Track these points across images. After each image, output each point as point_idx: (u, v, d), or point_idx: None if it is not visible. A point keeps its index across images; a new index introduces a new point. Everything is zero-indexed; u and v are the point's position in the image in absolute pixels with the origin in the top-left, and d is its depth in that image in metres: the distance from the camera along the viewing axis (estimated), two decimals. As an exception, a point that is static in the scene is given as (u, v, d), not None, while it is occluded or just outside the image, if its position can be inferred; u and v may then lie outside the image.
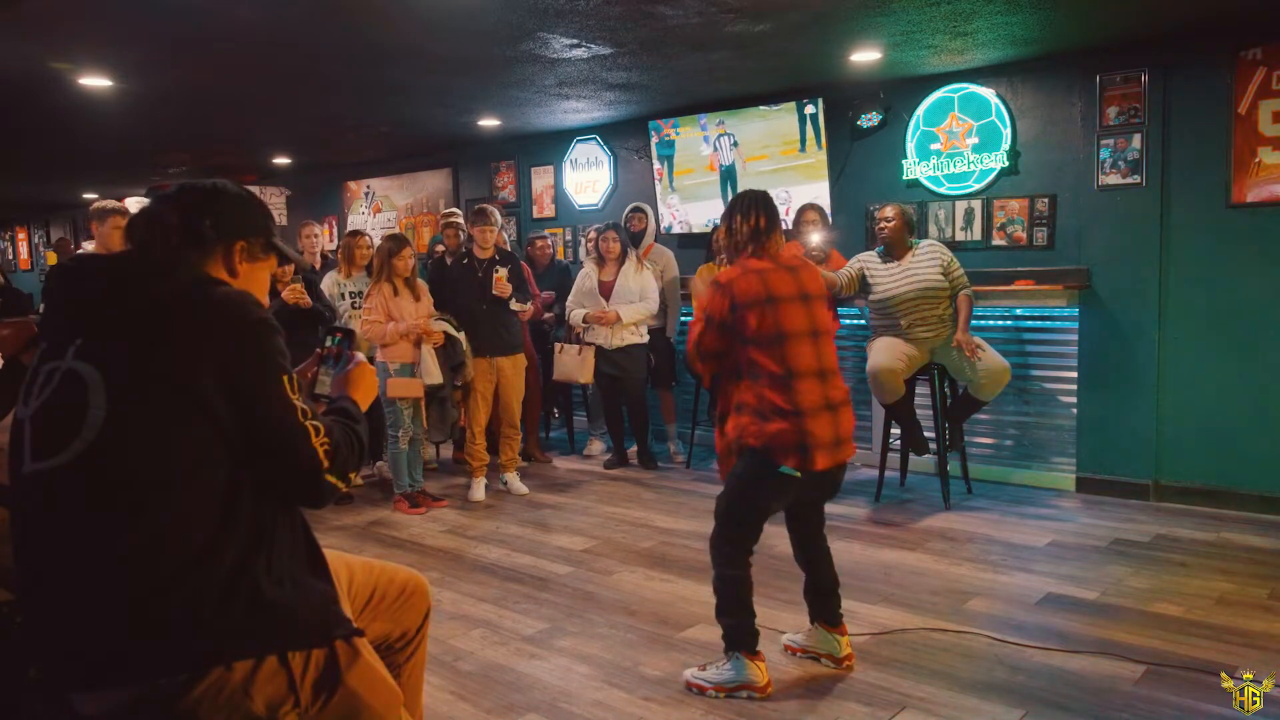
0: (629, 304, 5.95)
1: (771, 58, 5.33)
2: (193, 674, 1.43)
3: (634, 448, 6.34)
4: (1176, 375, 5.08)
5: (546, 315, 6.57)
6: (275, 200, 10.18)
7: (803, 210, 5.54)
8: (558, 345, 6.21)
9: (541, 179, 8.12)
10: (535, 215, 8.18)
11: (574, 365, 6.06)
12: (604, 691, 2.98)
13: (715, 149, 6.65)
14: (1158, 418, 5.12)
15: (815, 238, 5.33)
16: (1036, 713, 2.76)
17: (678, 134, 6.81)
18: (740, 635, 2.92)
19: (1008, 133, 5.52)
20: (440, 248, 7.02)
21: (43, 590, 1.50)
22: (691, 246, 6.89)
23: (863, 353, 5.19)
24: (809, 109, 6.11)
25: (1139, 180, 5.11)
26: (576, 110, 6.82)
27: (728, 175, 6.64)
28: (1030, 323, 5.48)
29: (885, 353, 4.91)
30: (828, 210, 5.84)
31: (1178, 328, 5.07)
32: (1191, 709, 2.77)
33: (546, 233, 7.29)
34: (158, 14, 4.26)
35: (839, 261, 5.28)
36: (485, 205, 5.77)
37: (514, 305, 5.47)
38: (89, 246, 7.13)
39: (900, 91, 5.87)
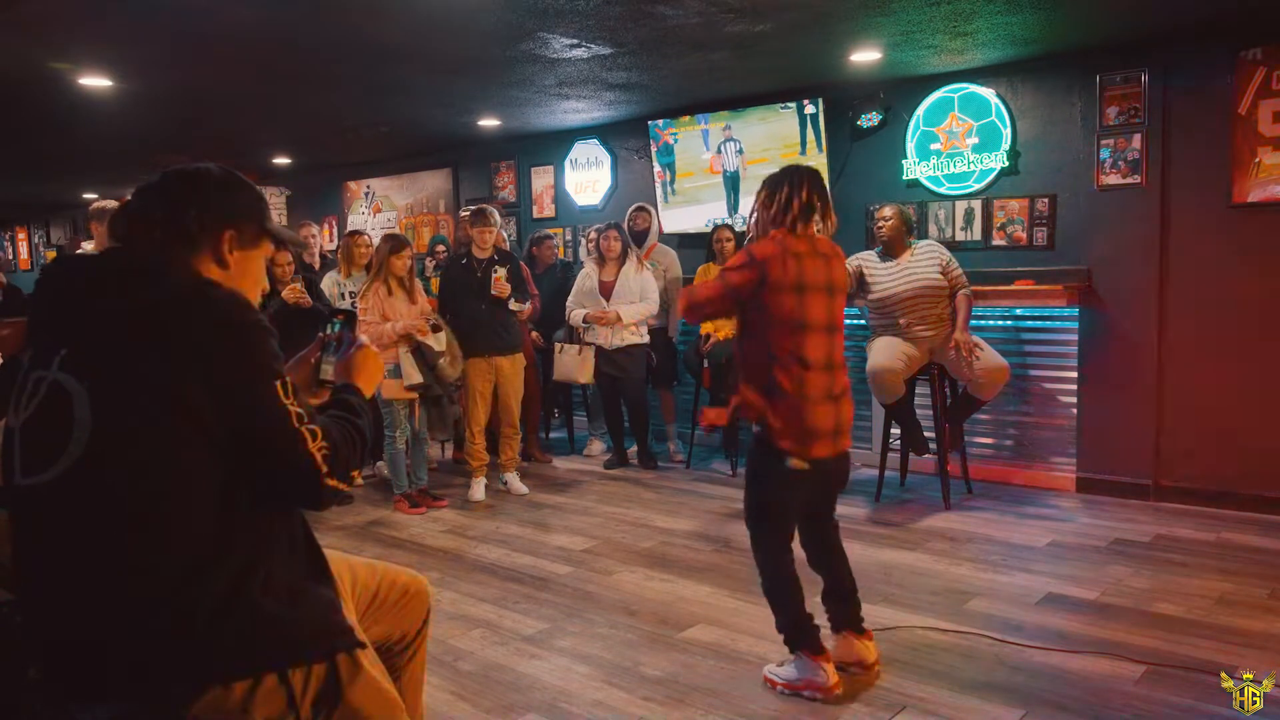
0: (629, 304, 5.95)
1: (771, 58, 5.32)
2: (191, 692, 1.41)
3: (634, 448, 6.33)
4: (1176, 375, 5.08)
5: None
6: (275, 200, 10.17)
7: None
8: (557, 345, 6.21)
9: (541, 179, 8.12)
10: (535, 215, 8.17)
11: (574, 365, 6.06)
12: (604, 691, 2.98)
13: (719, 152, 6.63)
14: (1158, 418, 5.12)
15: None
16: (1036, 713, 2.76)
17: (675, 140, 6.79)
18: (797, 635, 2.93)
19: (1008, 133, 5.51)
20: (441, 247, 7.02)
21: (39, 602, 1.49)
22: (692, 246, 6.89)
23: (862, 352, 5.19)
24: (809, 109, 6.11)
25: (1139, 180, 5.10)
26: (576, 110, 6.81)
27: (731, 182, 6.62)
28: (1030, 323, 5.48)
29: (885, 352, 4.92)
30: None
31: (1178, 328, 5.07)
32: (1191, 709, 2.77)
33: (550, 233, 7.28)
34: (157, 14, 4.26)
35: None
36: (485, 206, 5.77)
37: (513, 305, 5.47)
38: (88, 246, 7.13)
39: (900, 91, 5.87)
